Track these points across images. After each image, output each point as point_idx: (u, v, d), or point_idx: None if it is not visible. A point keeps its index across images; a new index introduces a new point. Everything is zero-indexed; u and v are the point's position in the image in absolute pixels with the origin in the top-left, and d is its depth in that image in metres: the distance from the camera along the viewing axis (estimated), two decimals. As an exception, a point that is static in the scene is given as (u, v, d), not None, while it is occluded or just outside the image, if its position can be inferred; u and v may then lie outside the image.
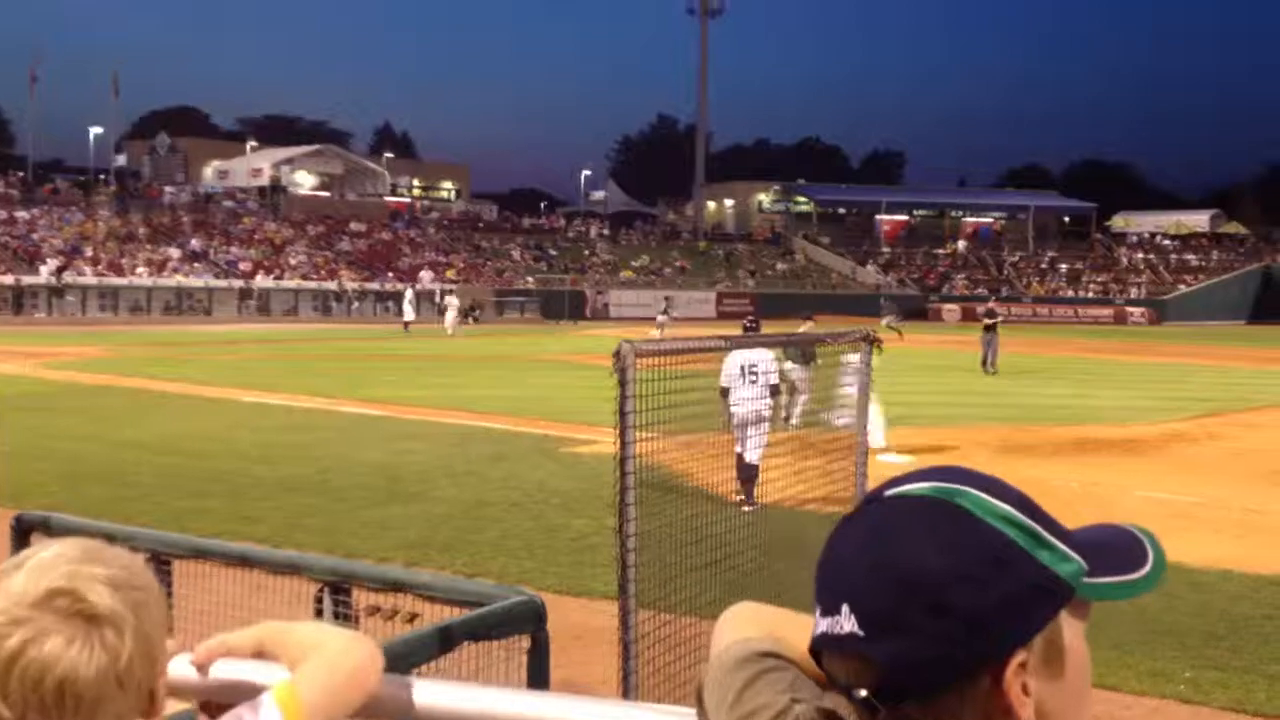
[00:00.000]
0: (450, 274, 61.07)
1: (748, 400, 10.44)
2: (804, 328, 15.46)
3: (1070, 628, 0.98)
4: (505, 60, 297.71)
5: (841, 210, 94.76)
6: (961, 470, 1.03)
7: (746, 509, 7.10)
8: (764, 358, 10.86)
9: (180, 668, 1.28)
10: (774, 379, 10.95)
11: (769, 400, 10.64)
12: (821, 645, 1.01)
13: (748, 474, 8.39)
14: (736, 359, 10.64)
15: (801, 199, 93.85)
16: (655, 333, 47.53)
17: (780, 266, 77.92)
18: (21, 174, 65.31)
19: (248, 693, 1.29)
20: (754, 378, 10.76)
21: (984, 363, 29.28)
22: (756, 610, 1.29)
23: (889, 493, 1.03)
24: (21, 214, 55.96)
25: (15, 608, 1.15)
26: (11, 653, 1.13)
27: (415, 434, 17.60)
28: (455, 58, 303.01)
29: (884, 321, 47.30)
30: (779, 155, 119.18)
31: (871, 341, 6.84)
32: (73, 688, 1.13)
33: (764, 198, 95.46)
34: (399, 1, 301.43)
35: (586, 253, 73.27)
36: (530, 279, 65.53)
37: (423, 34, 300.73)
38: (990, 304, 34.93)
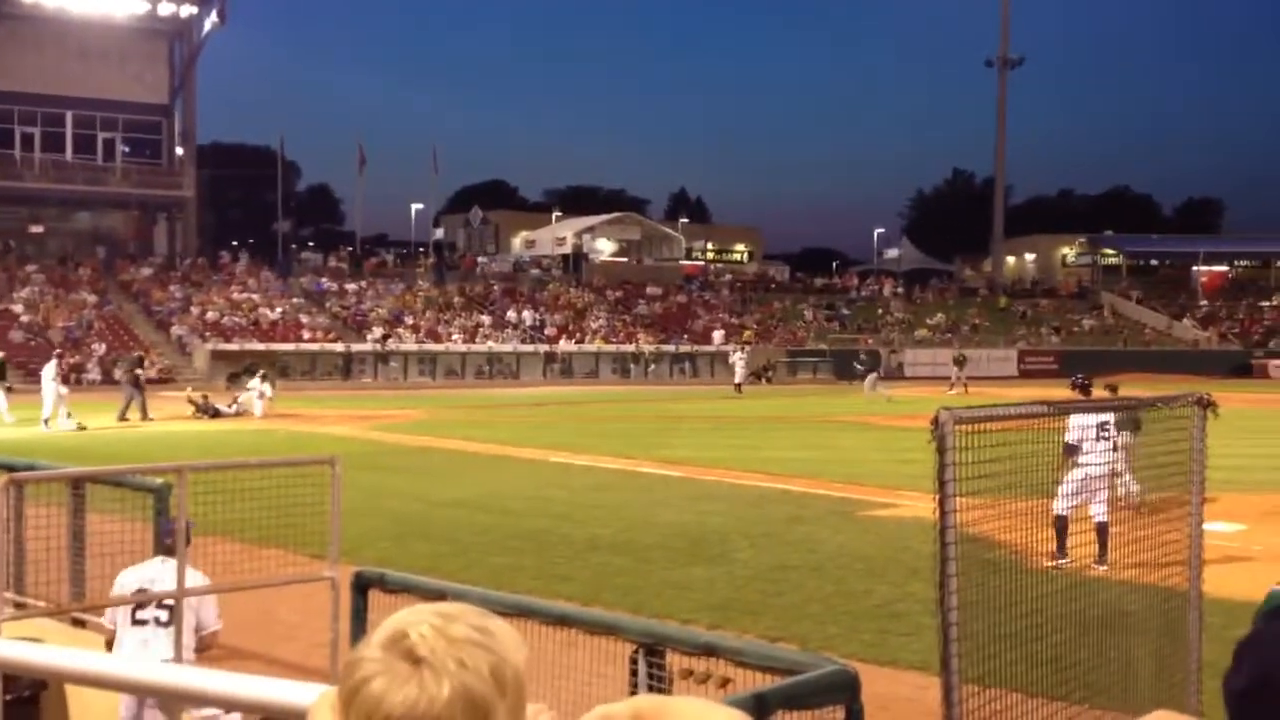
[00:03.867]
0: (747, 335, 61.71)
1: (1098, 457, 10.46)
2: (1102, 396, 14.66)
3: None
4: (794, 120, 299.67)
5: (1154, 262, 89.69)
6: None
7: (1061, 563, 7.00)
8: (1111, 418, 10.64)
9: None
10: (1121, 439, 10.75)
11: (1113, 458, 10.43)
12: None
13: (1100, 535, 8.47)
14: (1091, 416, 10.52)
15: (1109, 251, 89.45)
16: (950, 391, 46.24)
17: (1087, 323, 74.40)
18: (351, 249, 70.81)
19: None
20: (1106, 434, 10.66)
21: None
22: None
23: None
24: (350, 286, 60.57)
25: (368, 649, 1.29)
26: (354, 688, 1.27)
27: (713, 495, 17.83)
28: (744, 121, 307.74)
29: (870, 390, 41.30)
30: (1084, 206, 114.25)
31: (1206, 405, 6.50)
32: None
33: (1068, 251, 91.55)
34: (687, 70, 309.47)
35: (880, 311, 72.42)
36: (817, 337, 65.34)
37: (711, 99, 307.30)
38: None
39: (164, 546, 7.09)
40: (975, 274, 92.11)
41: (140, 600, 7.00)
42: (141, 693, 4.61)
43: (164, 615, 6.87)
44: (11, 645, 2.62)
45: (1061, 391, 16.05)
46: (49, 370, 29.36)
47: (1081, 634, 5.84)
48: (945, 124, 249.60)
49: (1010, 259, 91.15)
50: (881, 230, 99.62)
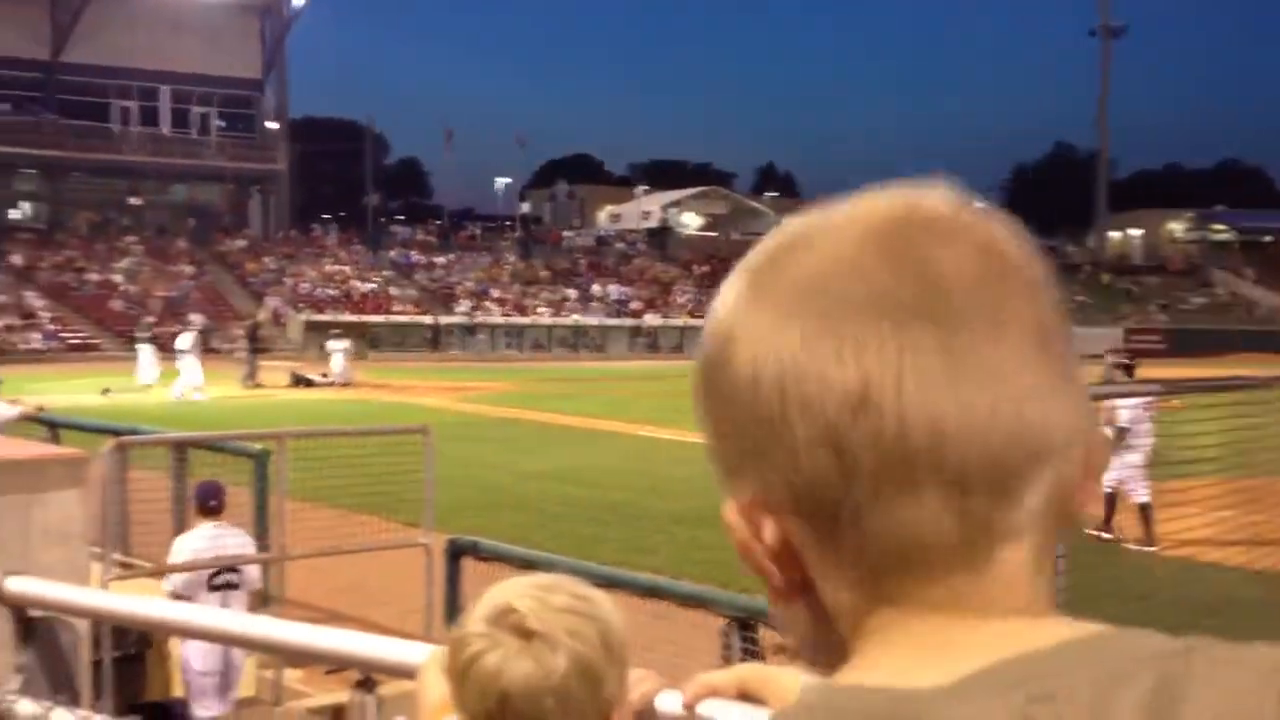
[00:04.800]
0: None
1: (1142, 439, 10.64)
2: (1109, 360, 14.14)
3: None
4: (889, 95, 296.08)
5: (1268, 238, 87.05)
6: None
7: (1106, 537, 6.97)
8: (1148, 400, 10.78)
9: (669, 704, 1.37)
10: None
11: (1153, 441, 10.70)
12: None
13: (1144, 516, 8.41)
14: (1134, 399, 10.61)
15: (1220, 227, 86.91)
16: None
17: (1196, 300, 72.54)
18: (439, 222, 71.59)
19: None
20: (1149, 416, 10.76)
21: None
22: None
23: None
24: (439, 259, 61.25)
25: (477, 623, 1.29)
26: (467, 662, 1.27)
27: (800, 470, 17.74)
28: (836, 94, 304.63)
29: None
30: (1193, 180, 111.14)
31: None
32: (511, 698, 1.24)
33: (1176, 226, 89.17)
34: (776, 42, 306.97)
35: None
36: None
37: (801, 72, 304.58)
38: None
39: (207, 509, 7.27)
40: (1078, 249, 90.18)
41: (233, 563, 7.21)
42: (260, 649, 4.73)
43: (235, 578, 7.13)
44: (156, 602, 2.71)
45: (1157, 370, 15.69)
46: (185, 340, 29.93)
47: (1191, 621, 5.71)
48: (1047, 96, 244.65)
49: (1115, 235, 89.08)
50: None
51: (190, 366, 28.99)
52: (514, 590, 1.31)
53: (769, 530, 0.70)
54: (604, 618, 1.31)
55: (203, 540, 7.22)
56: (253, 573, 7.33)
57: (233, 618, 1.68)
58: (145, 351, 31.74)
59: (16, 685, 1.69)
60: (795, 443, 0.68)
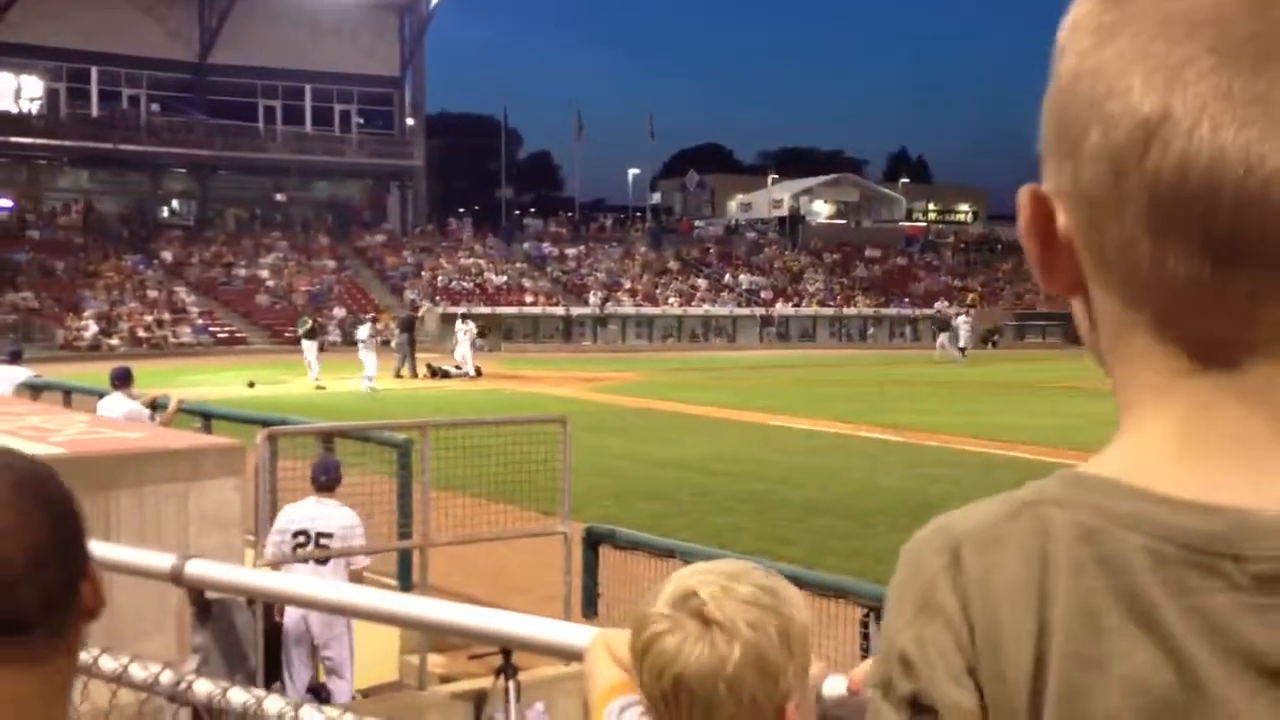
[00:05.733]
0: (971, 298, 60.03)
1: None
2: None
3: None
4: (1022, 73, 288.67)
5: None
6: None
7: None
8: None
9: (834, 688, 1.37)
10: None
11: None
12: None
13: None
14: None
15: None
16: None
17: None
18: (570, 214, 72.23)
19: None
20: None
21: None
22: None
23: None
24: (570, 250, 61.80)
25: (661, 605, 1.30)
26: (646, 643, 1.28)
27: (937, 460, 17.46)
28: (969, 77, 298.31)
29: (941, 350, 45.08)
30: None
31: None
32: (684, 683, 1.25)
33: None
34: (907, 27, 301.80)
35: (1115, 273, 69.29)
36: (1047, 300, 62.93)
37: (933, 56, 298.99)
38: None
39: (320, 484, 7.46)
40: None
41: (374, 550, 7.37)
42: (418, 627, 4.83)
43: (327, 544, 7.31)
44: (300, 578, 2.81)
45: None
46: (364, 331, 30.93)
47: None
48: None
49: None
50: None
51: (368, 358, 29.97)
52: (700, 576, 1.31)
53: (1061, 219, 0.71)
54: (786, 611, 1.31)
55: (298, 511, 7.45)
56: (354, 549, 7.45)
57: (417, 603, 1.72)
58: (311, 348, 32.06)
59: (194, 665, 1.76)
60: (1085, 151, 0.68)
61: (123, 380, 10.84)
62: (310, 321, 32.87)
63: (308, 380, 30.11)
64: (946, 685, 0.69)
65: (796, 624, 1.31)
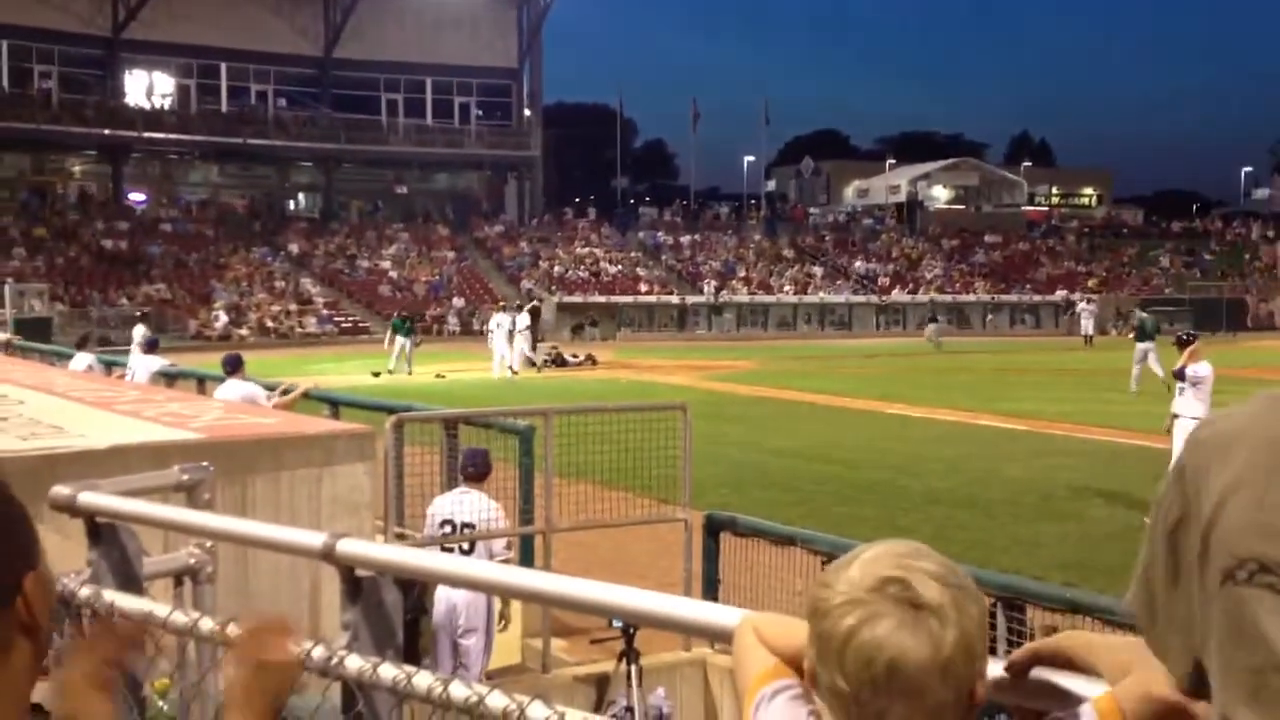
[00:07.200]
0: (1091, 284, 58.51)
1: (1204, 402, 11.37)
2: None
3: None
4: (1150, 55, 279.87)
5: None
6: None
7: None
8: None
9: (991, 670, 1.36)
10: None
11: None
12: None
13: None
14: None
15: None
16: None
17: None
18: (685, 203, 72.17)
19: (1060, 700, 1.34)
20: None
21: None
22: None
23: None
24: (685, 239, 61.80)
25: (854, 591, 1.27)
26: (849, 631, 1.25)
27: (1062, 449, 17.10)
28: (1094, 57, 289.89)
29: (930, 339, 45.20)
30: None
31: None
32: (899, 670, 1.23)
33: None
34: (1028, 7, 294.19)
35: (1246, 257, 66.77)
36: (1174, 285, 60.96)
37: (1055, 36, 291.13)
38: None
39: (467, 474, 7.59)
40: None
41: (503, 535, 7.48)
42: (557, 605, 4.91)
43: (465, 545, 7.45)
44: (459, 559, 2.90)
45: None
46: (501, 320, 31.55)
47: None
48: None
49: None
50: (1249, 169, 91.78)
51: (502, 346, 30.70)
52: (889, 559, 1.29)
53: None
54: (975, 591, 1.30)
55: (447, 501, 7.61)
56: (496, 543, 7.57)
57: (569, 583, 1.75)
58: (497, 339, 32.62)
59: (344, 641, 1.83)
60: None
61: (234, 366, 11.27)
62: (409, 320, 33.48)
63: (405, 368, 30.71)
64: None
65: (984, 604, 1.31)
